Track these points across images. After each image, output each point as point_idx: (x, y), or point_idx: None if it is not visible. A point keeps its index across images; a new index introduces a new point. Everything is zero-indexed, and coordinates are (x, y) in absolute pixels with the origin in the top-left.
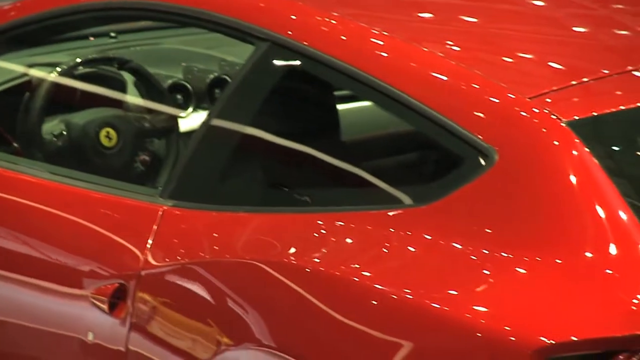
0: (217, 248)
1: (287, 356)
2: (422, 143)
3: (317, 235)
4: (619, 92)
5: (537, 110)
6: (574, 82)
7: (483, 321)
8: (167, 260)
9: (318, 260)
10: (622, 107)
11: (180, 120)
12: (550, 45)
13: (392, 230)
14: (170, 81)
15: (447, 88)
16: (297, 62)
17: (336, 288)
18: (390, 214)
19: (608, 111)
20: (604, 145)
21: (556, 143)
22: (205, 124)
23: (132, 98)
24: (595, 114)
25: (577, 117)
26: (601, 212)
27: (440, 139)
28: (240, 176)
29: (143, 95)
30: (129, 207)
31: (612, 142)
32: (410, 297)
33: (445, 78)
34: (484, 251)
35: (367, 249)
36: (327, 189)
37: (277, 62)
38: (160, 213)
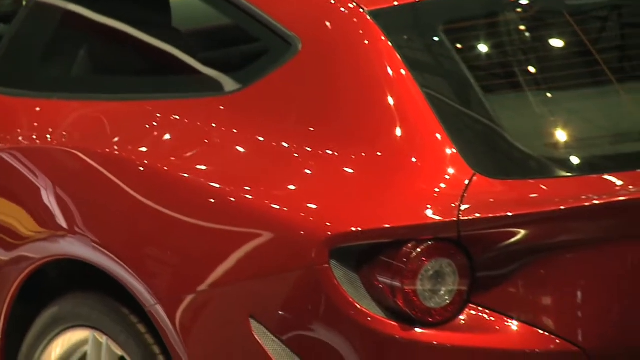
0: (36, 135)
1: (106, 250)
2: (238, 33)
3: (138, 124)
4: None
5: (338, 0)
6: None
7: (281, 212)
8: None
9: (139, 151)
10: None
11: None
12: None
13: (208, 119)
14: None
15: None
16: None
17: (156, 181)
18: (208, 99)
19: (409, 1)
20: (404, 35)
21: (361, 32)
22: (26, 6)
23: None
24: (396, 4)
25: (379, 7)
26: (398, 104)
27: (250, 28)
28: (60, 61)
29: None
30: None
31: (413, 32)
32: (215, 185)
33: None
34: (285, 144)
35: (186, 140)
36: (146, 76)
37: None
38: None
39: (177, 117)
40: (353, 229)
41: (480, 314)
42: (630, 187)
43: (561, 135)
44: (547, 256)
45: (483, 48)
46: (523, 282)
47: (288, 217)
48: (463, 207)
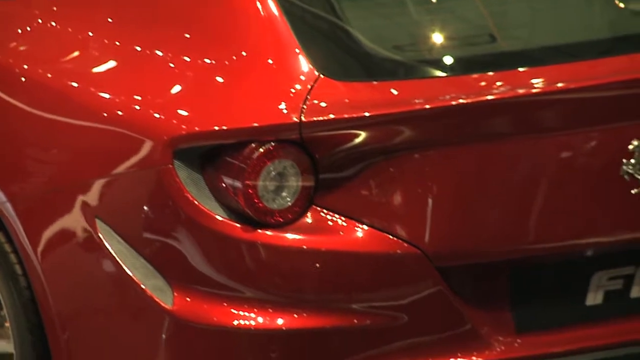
0: None
1: None
2: None
3: None
4: None
5: None
6: None
7: (127, 112)
8: None
9: None
10: None
11: None
12: None
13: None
14: None
15: None
16: None
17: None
18: None
19: None
20: None
21: None
22: None
23: None
24: None
25: None
26: (244, 5)
27: None
28: None
29: None
30: None
31: None
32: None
33: None
34: (137, 47)
35: (39, 38)
36: None
37: None
38: None
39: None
40: (197, 129)
41: (324, 216)
42: (476, 89)
43: (411, 37)
44: (392, 159)
45: None
46: (367, 185)
47: (134, 117)
48: (305, 108)
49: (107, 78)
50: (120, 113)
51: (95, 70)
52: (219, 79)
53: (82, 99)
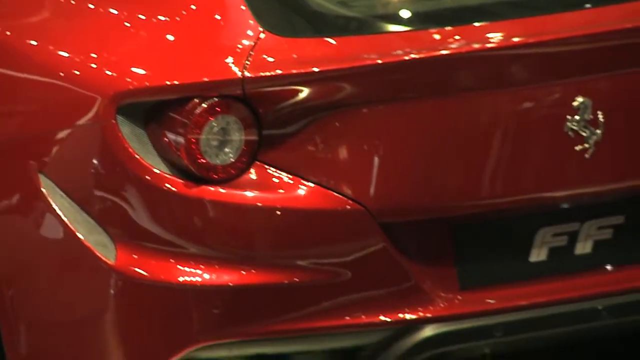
0: None
1: None
2: None
3: None
4: None
5: None
6: None
7: (72, 66)
8: None
9: None
10: None
11: None
12: None
13: None
14: None
15: None
16: None
17: None
18: None
19: None
20: None
21: None
22: None
23: None
24: None
25: None
26: None
27: None
28: None
29: None
30: None
31: None
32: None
33: None
34: (92, 6)
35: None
36: None
37: None
38: None
39: None
40: (140, 85)
41: (267, 173)
42: (422, 45)
43: None
44: (336, 115)
45: None
46: (311, 142)
47: (80, 72)
48: (249, 64)
49: (55, 34)
50: (67, 68)
51: (43, 26)
52: (167, 36)
53: (29, 54)
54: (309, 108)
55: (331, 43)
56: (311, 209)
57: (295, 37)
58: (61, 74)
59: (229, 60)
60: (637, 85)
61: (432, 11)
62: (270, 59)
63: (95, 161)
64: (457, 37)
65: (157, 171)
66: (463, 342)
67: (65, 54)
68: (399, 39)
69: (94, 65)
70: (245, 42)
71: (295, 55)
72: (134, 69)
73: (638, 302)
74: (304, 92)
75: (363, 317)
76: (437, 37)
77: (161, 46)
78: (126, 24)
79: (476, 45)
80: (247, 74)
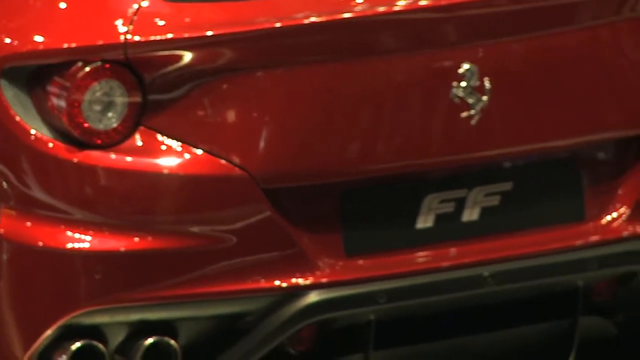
0: None
1: None
2: None
3: None
4: None
5: None
6: None
7: None
8: None
9: None
10: None
11: None
12: None
13: None
14: None
15: None
16: None
17: None
18: None
19: None
20: None
21: None
22: None
23: None
24: None
25: None
26: None
27: None
28: None
29: None
30: None
31: None
32: None
33: None
34: None
35: None
36: None
37: None
38: None
39: None
40: (22, 49)
41: (152, 138)
42: (311, 8)
43: None
44: (219, 80)
45: None
46: (195, 107)
47: None
48: (132, 28)
49: None
50: None
51: None
52: (51, 0)
53: None
54: (194, 73)
55: (214, 8)
56: (195, 175)
57: (179, 2)
58: None
59: (113, 24)
60: (522, 52)
61: None
62: (154, 23)
63: None
64: (343, 2)
65: (40, 135)
66: (347, 309)
67: None
68: (281, 3)
69: None
70: (129, 6)
71: (179, 20)
72: (19, 33)
73: (524, 269)
74: (188, 57)
75: (247, 283)
76: (318, 2)
77: (45, 10)
78: None
79: (361, 10)
80: (129, 38)
